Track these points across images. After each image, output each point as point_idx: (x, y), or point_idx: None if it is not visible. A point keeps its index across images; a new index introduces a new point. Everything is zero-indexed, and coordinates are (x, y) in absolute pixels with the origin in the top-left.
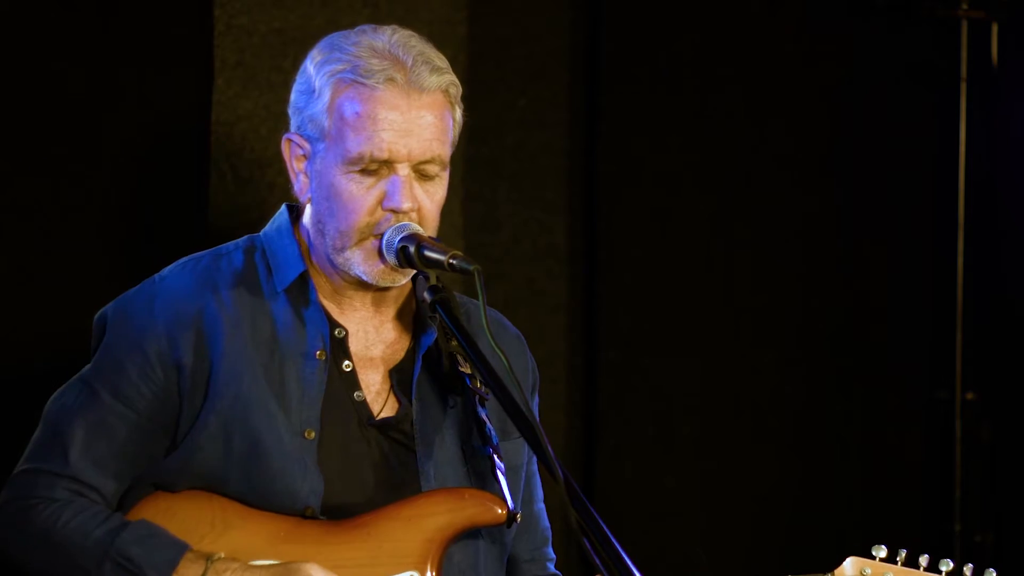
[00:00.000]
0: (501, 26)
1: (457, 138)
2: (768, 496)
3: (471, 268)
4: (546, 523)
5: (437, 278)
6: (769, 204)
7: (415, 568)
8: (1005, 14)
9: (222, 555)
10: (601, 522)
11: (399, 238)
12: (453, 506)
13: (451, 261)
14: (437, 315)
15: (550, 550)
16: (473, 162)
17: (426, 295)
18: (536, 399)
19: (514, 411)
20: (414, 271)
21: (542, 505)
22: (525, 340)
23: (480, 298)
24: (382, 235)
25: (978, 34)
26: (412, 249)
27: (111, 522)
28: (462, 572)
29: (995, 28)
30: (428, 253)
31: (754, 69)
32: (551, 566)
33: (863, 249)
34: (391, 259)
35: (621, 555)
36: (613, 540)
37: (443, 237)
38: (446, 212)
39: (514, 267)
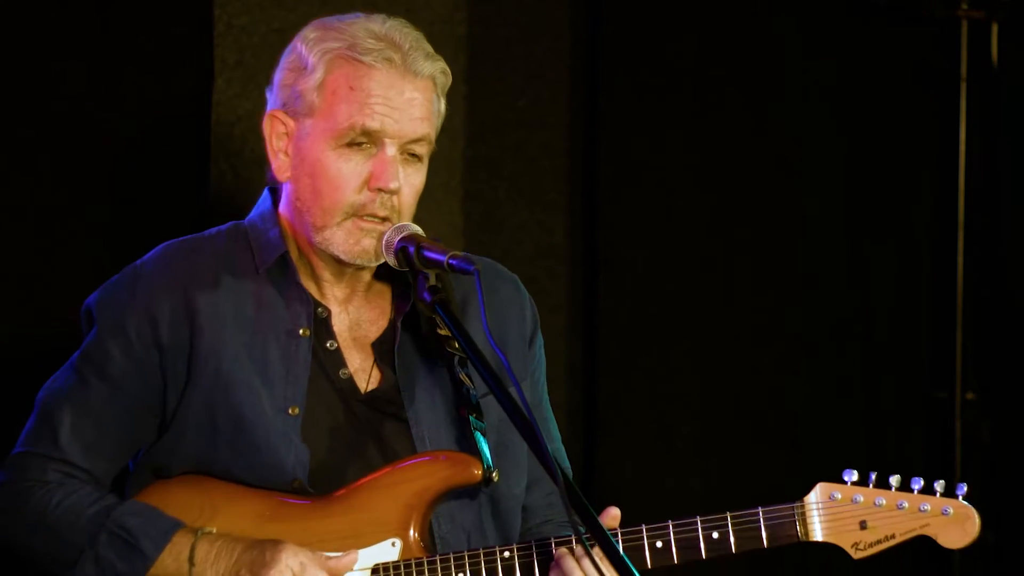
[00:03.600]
0: (501, 26)
1: (439, 129)
2: (768, 496)
3: (471, 268)
4: (564, 464)
5: (436, 277)
6: (769, 204)
7: (396, 535)
8: (1005, 14)
9: (212, 529)
10: (601, 522)
11: (399, 238)
12: (427, 470)
13: (450, 261)
14: (421, 297)
15: None
16: (473, 162)
17: (425, 296)
18: (539, 339)
19: (513, 411)
20: (390, 255)
21: (558, 445)
22: (521, 283)
23: (479, 298)
24: (363, 217)
25: (978, 34)
26: (412, 249)
27: (105, 500)
28: (467, 532)
29: (995, 28)
30: (427, 254)
31: (754, 69)
32: None
33: (863, 249)
34: (390, 259)
35: (621, 555)
36: (613, 540)
37: (443, 237)
38: (446, 212)
39: (514, 267)
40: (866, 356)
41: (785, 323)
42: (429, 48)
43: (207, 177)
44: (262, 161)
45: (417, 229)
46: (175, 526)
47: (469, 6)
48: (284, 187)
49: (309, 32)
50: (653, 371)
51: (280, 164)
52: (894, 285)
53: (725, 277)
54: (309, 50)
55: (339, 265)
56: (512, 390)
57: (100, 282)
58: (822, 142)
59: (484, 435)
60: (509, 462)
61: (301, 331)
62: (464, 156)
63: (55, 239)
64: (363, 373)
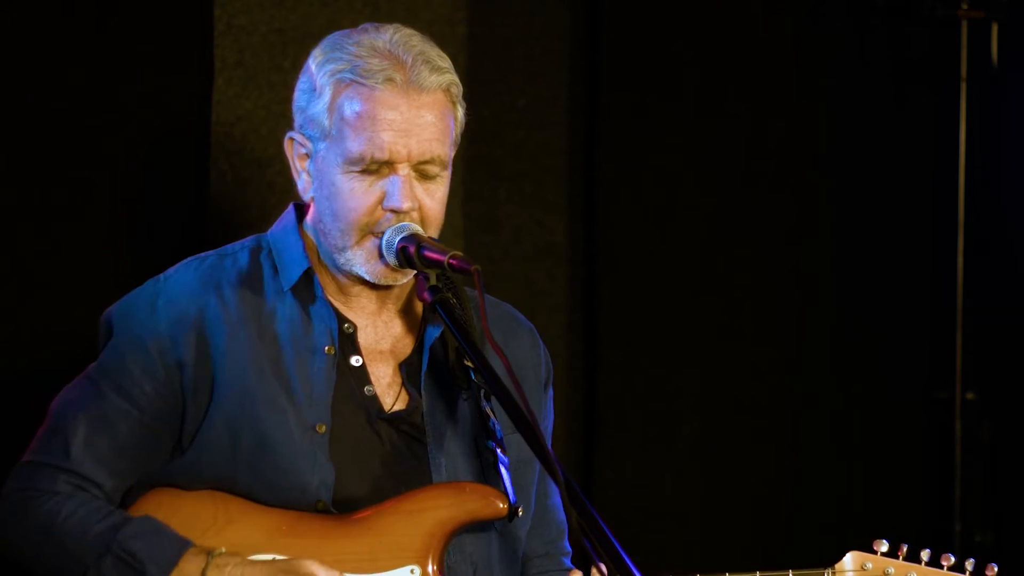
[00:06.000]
0: (501, 26)
1: (459, 137)
2: (768, 496)
3: (470, 268)
4: (561, 516)
5: (437, 278)
6: (769, 204)
7: (415, 562)
8: (1005, 14)
9: (223, 550)
10: (601, 522)
11: (399, 239)
12: (453, 500)
13: (450, 261)
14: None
15: (566, 543)
16: (473, 162)
17: (426, 295)
18: (550, 391)
19: (514, 411)
20: (391, 255)
21: (557, 499)
22: (538, 333)
23: (480, 298)
24: (382, 234)
25: (978, 34)
26: (412, 250)
27: (113, 517)
28: (474, 565)
29: (995, 28)
30: (428, 253)
31: (754, 69)
32: (567, 560)
33: (863, 249)
34: (391, 260)
35: (621, 555)
36: (613, 540)
37: (443, 237)
38: (446, 212)
39: (514, 267)
40: (866, 356)
41: (785, 323)
42: (437, 60)
43: (207, 177)
44: (262, 161)
45: (418, 229)
46: (182, 548)
47: (469, 6)
48: (311, 206)
49: (318, 52)
50: (653, 371)
51: (304, 184)
52: (894, 286)
53: (725, 277)
54: (317, 71)
55: (366, 280)
56: (516, 393)
57: (100, 284)
58: (822, 142)
59: (508, 470)
60: (522, 505)
61: (326, 348)
62: (464, 156)
63: (55, 240)
64: (388, 391)
